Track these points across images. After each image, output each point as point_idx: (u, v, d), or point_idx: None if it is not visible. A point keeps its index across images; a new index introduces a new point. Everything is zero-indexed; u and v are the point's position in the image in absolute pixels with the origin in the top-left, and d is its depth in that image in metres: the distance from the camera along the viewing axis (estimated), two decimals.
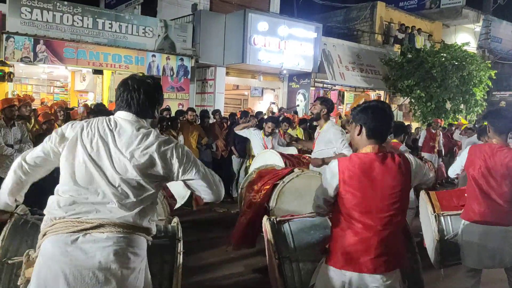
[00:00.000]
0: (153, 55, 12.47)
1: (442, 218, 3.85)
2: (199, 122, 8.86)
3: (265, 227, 2.77)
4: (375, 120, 2.40)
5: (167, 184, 3.24)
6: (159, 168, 2.05)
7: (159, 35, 12.65)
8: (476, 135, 5.95)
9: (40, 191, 2.44)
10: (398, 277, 2.41)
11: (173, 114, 10.86)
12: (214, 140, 8.54)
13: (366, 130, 2.42)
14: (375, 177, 2.34)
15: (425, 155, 10.33)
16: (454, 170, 3.82)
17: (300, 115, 14.58)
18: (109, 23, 11.76)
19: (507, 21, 23.59)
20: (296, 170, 4.45)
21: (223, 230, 6.53)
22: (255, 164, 6.24)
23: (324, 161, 4.40)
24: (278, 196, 4.24)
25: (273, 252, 2.64)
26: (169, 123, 7.89)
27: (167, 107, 10.52)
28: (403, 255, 2.49)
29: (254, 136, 7.19)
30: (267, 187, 4.41)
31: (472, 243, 3.44)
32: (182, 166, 2.10)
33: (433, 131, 11.09)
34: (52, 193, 2.07)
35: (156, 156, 2.03)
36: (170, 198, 4.60)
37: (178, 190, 4.93)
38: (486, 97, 17.07)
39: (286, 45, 13.84)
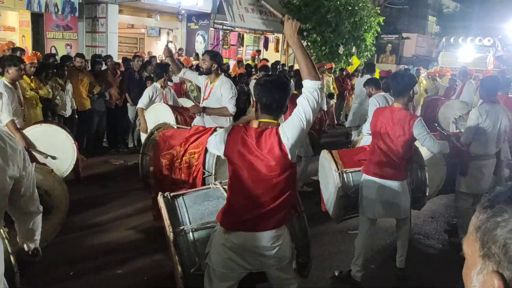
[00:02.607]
0: None
1: (345, 174, 4.15)
2: (89, 69, 8.24)
3: (160, 203, 2.76)
4: (266, 95, 2.43)
5: None
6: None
7: None
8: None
9: None
10: (285, 234, 2.53)
11: (60, 54, 10.00)
12: (107, 88, 8.06)
13: (259, 105, 2.47)
14: (252, 151, 2.40)
15: None
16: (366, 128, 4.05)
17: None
18: None
19: None
20: (219, 129, 4.27)
21: (120, 184, 6.42)
22: (148, 118, 6.08)
23: (205, 110, 4.53)
24: (216, 159, 4.05)
25: (168, 227, 2.67)
26: (55, 70, 7.24)
27: (53, 52, 9.59)
28: (287, 213, 2.57)
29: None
30: (198, 150, 4.12)
31: (371, 195, 3.78)
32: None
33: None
34: None
35: None
36: None
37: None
38: (374, 42, 18.17)
39: None
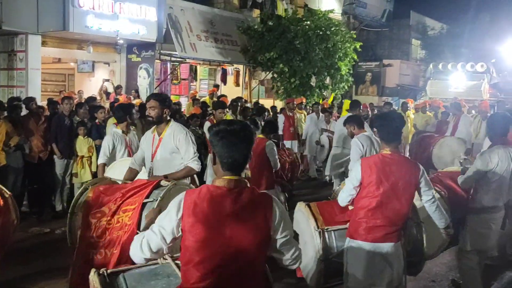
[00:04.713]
0: None
1: (326, 233, 4.06)
2: (5, 115, 8.09)
3: (93, 283, 2.67)
4: (228, 149, 2.41)
5: None
6: None
7: None
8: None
9: None
10: None
11: None
12: (27, 139, 7.92)
13: (219, 159, 2.45)
14: (224, 220, 2.36)
15: (286, 143, 10.96)
16: (346, 196, 3.87)
17: (144, 96, 14.36)
18: None
19: None
20: (164, 182, 4.19)
21: (46, 259, 6.18)
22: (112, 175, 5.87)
23: (167, 177, 4.38)
24: None
25: None
26: None
27: None
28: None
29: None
30: (132, 207, 3.99)
31: (359, 263, 3.72)
32: None
33: (290, 114, 11.78)
34: None
35: None
36: None
37: None
38: (351, 71, 18.84)
39: (122, 8, 13.43)
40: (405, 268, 3.90)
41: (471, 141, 10.28)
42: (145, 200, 3.99)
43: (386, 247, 3.67)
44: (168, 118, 4.78)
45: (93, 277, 2.69)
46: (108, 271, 2.73)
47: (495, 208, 4.70)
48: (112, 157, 6.04)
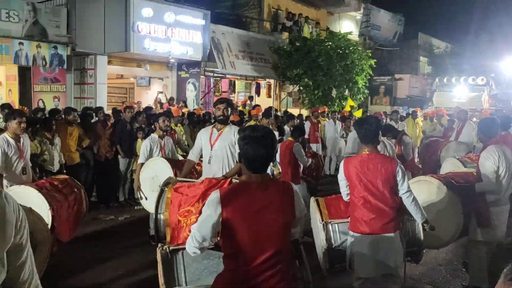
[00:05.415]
0: (21, 43, 11.34)
1: (330, 226, 3.99)
2: (79, 122, 8.30)
3: (157, 256, 2.69)
4: (252, 153, 2.37)
5: None
6: None
7: (26, 20, 11.51)
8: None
9: None
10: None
11: (48, 107, 10.10)
12: (96, 141, 8.10)
13: (244, 161, 2.41)
14: (258, 208, 2.33)
15: (312, 146, 10.95)
16: (343, 192, 3.87)
17: (191, 106, 14.51)
18: None
19: (384, 10, 25.78)
20: (235, 179, 4.20)
21: (111, 242, 6.30)
22: (146, 173, 6.02)
23: (226, 177, 4.41)
24: None
25: (161, 286, 2.61)
26: (43, 124, 7.27)
27: (40, 105, 9.70)
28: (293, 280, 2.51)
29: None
30: None
31: (363, 253, 3.60)
32: None
33: (314, 121, 11.75)
34: None
35: None
36: None
37: None
38: (367, 84, 18.60)
39: (173, 32, 13.58)
40: (404, 256, 3.77)
41: (473, 144, 10.02)
42: None
43: (384, 237, 3.56)
44: None
45: (158, 250, 2.70)
46: (170, 248, 2.73)
47: (502, 202, 4.53)
48: (149, 158, 6.15)
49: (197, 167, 5.48)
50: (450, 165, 6.35)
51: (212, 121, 5.01)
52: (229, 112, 4.92)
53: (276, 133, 8.49)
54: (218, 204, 2.33)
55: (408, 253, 3.97)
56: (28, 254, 1.72)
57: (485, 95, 18.43)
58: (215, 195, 2.38)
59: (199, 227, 2.40)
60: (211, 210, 2.35)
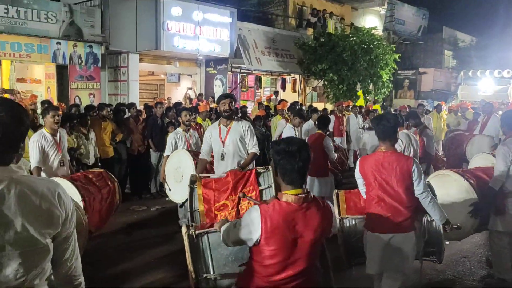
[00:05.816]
0: (58, 43, 11.61)
1: (346, 221, 3.89)
2: (112, 117, 8.45)
3: (184, 238, 2.70)
4: (288, 168, 2.26)
5: None
6: None
7: (63, 21, 11.77)
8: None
9: None
10: None
11: (84, 104, 10.33)
12: (128, 136, 8.24)
13: (281, 175, 2.30)
14: (297, 230, 2.25)
15: (336, 139, 10.80)
16: (361, 190, 3.76)
17: None
18: (5, 8, 10.70)
19: (408, 4, 25.19)
20: (259, 168, 4.30)
21: (144, 231, 6.41)
22: (170, 164, 6.12)
23: (241, 167, 4.47)
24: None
25: (191, 273, 2.64)
26: (79, 120, 7.43)
27: (77, 101, 9.92)
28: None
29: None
30: (252, 194, 4.11)
31: (374, 251, 3.51)
32: None
33: (339, 114, 11.58)
34: None
35: None
36: None
37: None
38: (391, 78, 18.27)
39: (202, 30, 13.63)
40: (420, 256, 3.64)
41: (498, 137, 9.71)
42: (260, 188, 4.21)
43: (397, 236, 3.41)
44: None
45: (183, 231, 2.71)
46: (196, 231, 2.72)
47: None
48: (174, 150, 6.25)
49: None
50: (481, 160, 6.15)
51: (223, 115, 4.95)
52: (234, 106, 4.90)
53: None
54: (258, 226, 2.24)
55: (429, 252, 3.85)
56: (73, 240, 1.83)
57: (511, 88, 17.85)
58: (255, 213, 2.27)
59: (235, 236, 2.38)
60: (249, 229, 2.29)
